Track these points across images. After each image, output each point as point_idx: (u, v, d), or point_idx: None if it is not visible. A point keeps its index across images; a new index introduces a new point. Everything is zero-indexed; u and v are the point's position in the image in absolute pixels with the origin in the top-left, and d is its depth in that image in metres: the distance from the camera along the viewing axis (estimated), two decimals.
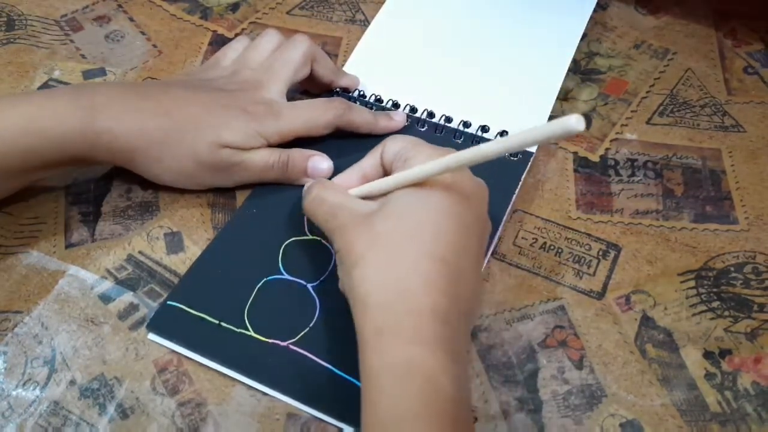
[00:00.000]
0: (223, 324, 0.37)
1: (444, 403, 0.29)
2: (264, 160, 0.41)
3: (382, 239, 0.32)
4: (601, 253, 0.42)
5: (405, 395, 0.28)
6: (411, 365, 0.29)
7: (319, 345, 0.37)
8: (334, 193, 0.37)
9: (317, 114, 0.43)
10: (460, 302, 0.32)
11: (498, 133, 0.46)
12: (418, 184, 0.34)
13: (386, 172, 0.38)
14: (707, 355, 0.37)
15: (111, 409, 0.35)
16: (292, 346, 0.37)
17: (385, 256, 0.32)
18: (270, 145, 0.42)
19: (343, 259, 0.33)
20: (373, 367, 0.30)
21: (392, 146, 0.37)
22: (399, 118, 0.46)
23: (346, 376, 0.35)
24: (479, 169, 0.44)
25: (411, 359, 0.29)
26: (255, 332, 0.37)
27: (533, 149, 0.45)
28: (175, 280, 0.40)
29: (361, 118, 0.45)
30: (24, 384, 0.36)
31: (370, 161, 0.39)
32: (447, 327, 0.30)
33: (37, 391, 0.36)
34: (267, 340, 0.37)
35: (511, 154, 0.45)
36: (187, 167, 0.40)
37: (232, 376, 0.36)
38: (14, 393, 0.36)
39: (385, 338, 0.30)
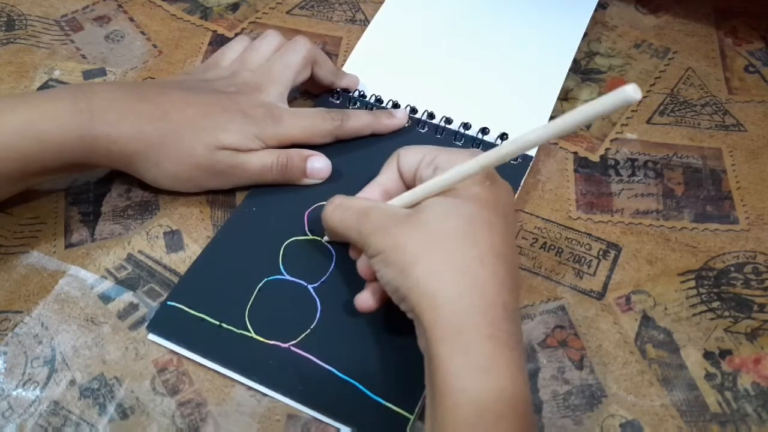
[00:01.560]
0: (224, 325, 0.37)
1: (522, 404, 0.29)
2: (262, 161, 0.41)
3: (440, 237, 0.32)
4: (601, 253, 0.42)
5: (487, 394, 0.28)
6: (492, 362, 0.29)
7: (320, 347, 0.37)
8: (359, 200, 0.37)
9: (316, 123, 0.43)
10: (516, 297, 0.32)
11: (498, 135, 0.46)
12: (453, 189, 0.34)
13: (406, 184, 0.37)
14: (707, 355, 0.37)
15: (111, 409, 0.35)
16: (293, 348, 0.37)
17: (447, 254, 0.31)
18: (267, 149, 0.42)
19: (393, 259, 0.32)
20: (454, 364, 0.29)
21: (408, 157, 0.37)
22: (400, 115, 0.46)
23: (348, 379, 0.35)
24: None
25: (492, 356, 0.29)
26: (256, 334, 0.37)
27: (533, 152, 0.45)
28: (175, 280, 0.40)
29: (360, 122, 0.45)
30: (24, 384, 0.36)
31: (387, 175, 0.38)
32: (514, 323, 0.31)
33: (37, 391, 0.36)
34: (268, 341, 0.37)
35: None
36: (185, 170, 0.40)
37: (232, 377, 0.36)
38: (14, 393, 0.36)
39: (464, 335, 0.29)
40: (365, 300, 0.36)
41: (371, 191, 0.38)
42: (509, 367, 0.29)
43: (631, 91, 0.26)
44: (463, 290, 0.30)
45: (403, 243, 0.32)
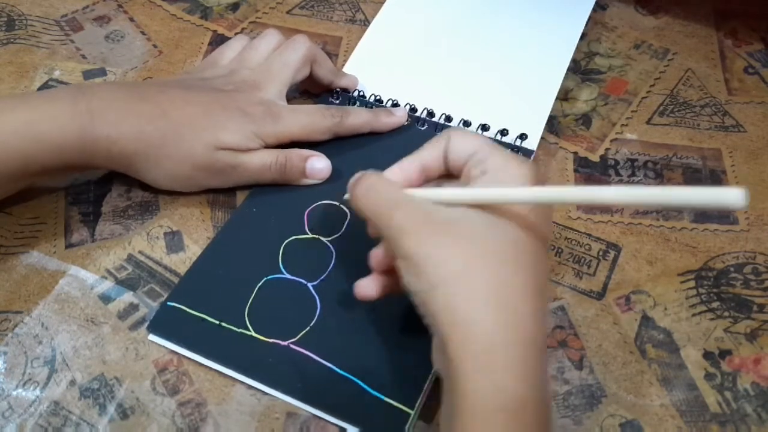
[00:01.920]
0: (224, 324, 0.37)
1: None
2: (261, 161, 0.41)
3: (482, 258, 0.29)
4: (601, 253, 0.42)
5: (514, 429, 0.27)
6: (520, 400, 0.27)
7: (319, 344, 0.37)
8: (390, 185, 0.33)
9: (316, 120, 0.43)
10: (546, 334, 0.31)
11: (498, 131, 0.46)
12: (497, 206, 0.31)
13: (449, 171, 0.34)
14: (707, 355, 0.37)
15: (111, 409, 0.35)
16: (293, 346, 0.37)
17: (488, 279, 0.29)
18: (267, 147, 0.42)
19: (424, 270, 0.29)
20: (479, 392, 0.27)
21: (462, 144, 0.33)
22: (400, 114, 0.46)
23: (348, 375, 0.35)
24: None
25: (521, 395, 0.27)
26: (256, 332, 0.37)
27: (533, 146, 0.45)
28: (175, 280, 0.40)
29: (359, 120, 0.45)
30: (24, 384, 0.36)
31: (431, 153, 0.34)
32: (543, 362, 0.29)
33: (37, 392, 0.36)
34: (268, 339, 0.37)
35: (512, 152, 0.45)
36: (185, 170, 0.40)
37: (232, 376, 0.36)
38: (14, 393, 0.36)
39: (494, 374, 0.27)
40: (366, 287, 0.34)
41: (410, 166, 0.35)
42: (536, 408, 0.27)
43: (732, 198, 0.23)
44: (500, 324, 0.28)
45: (439, 255, 0.29)
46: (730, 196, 0.23)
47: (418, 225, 0.30)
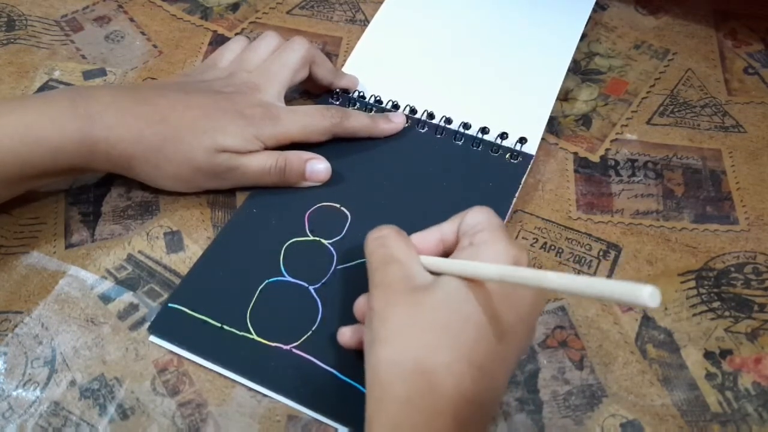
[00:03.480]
0: (225, 327, 0.37)
1: None
2: (261, 164, 0.41)
3: (423, 325, 0.30)
4: (601, 253, 0.42)
5: None
6: None
7: (321, 348, 0.36)
8: (401, 245, 0.34)
9: (314, 121, 0.43)
10: (484, 410, 0.30)
11: (498, 134, 0.46)
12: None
13: (457, 241, 0.35)
14: (708, 355, 0.37)
15: (111, 409, 0.35)
16: (295, 350, 0.37)
17: (420, 344, 0.29)
18: (267, 149, 0.42)
19: (374, 324, 0.30)
20: None
21: (471, 218, 0.34)
22: (398, 120, 0.46)
23: (349, 381, 0.35)
24: (479, 168, 0.44)
25: None
26: (258, 335, 0.37)
27: (533, 151, 0.45)
28: (175, 280, 0.40)
29: (358, 123, 0.45)
30: (24, 384, 0.36)
31: (450, 226, 0.35)
32: None
33: (38, 392, 0.36)
34: (270, 343, 0.37)
35: (511, 157, 0.45)
36: (185, 172, 0.40)
37: (233, 378, 0.36)
38: (14, 393, 0.35)
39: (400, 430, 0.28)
40: (343, 335, 0.35)
41: (429, 235, 0.35)
42: None
43: (647, 297, 0.22)
44: (415, 393, 0.28)
45: (389, 315, 0.30)
46: (643, 293, 0.22)
47: (389, 283, 0.31)
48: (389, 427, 0.28)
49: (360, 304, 0.35)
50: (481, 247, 0.32)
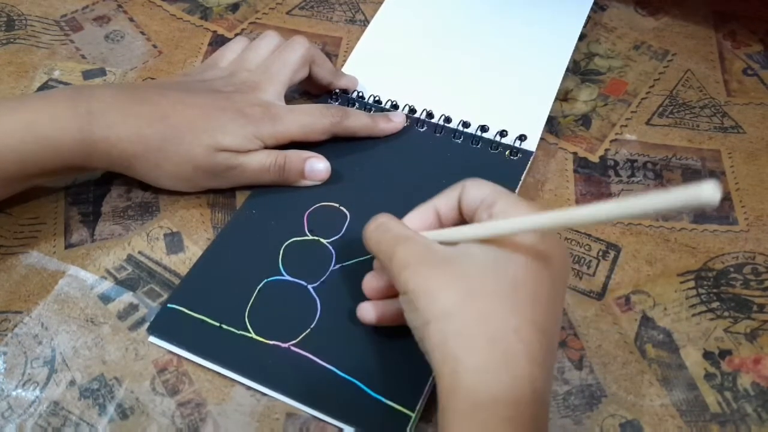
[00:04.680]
0: (224, 326, 0.37)
1: None
2: (261, 163, 0.41)
3: (478, 295, 0.29)
4: (600, 253, 0.42)
5: None
6: None
7: (320, 346, 0.37)
8: (400, 224, 0.34)
9: (314, 120, 0.43)
10: (551, 375, 0.30)
11: (497, 132, 0.46)
12: (502, 239, 0.30)
13: (463, 218, 0.34)
14: (707, 355, 0.37)
15: (111, 409, 0.35)
16: (293, 348, 0.37)
17: (482, 317, 0.28)
18: (267, 148, 0.42)
19: (421, 305, 0.30)
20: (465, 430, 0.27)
21: (474, 191, 0.33)
22: (398, 119, 0.46)
23: (348, 377, 0.35)
24: (479, 166, 0.45)
25: None
26: (256, 334, 0.37)
27: (533, 147, 0.45)
28: (175, 280, 0.40)
29: (358, 122, 0.45)
30: (24, 384, 0.36)
31: (445, 201, 0.35)
32: (541, 406, 0.28)
33: (37, 392, 0.36)
34: (268, 341, 0.37)
35: (511, 153, 0.45)
36: (185, 171, 0.40)
37: (233, 377, 0.36)
38: (14, 393, 0.35)
39: (482, 413, 0.27)
40: (367, 312, 0.35)
41: (424, 213, 0.35)
42: None
43: (707, 194, 0.22)
44: (491, 362, 0.28)
45: (435, 290, 0.29)
46: (704, 193, 0.22)
47: (417, 261, 0.31)
48: (470, 398, 0.27)
49: (369, 281, 0.35)
50: (503, 211, 0.31)
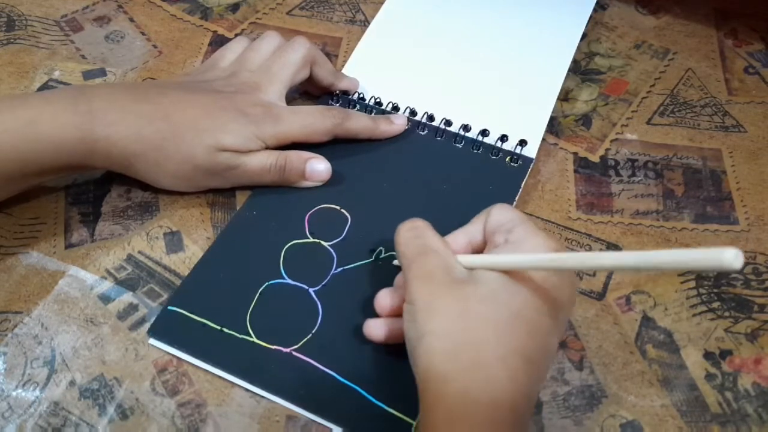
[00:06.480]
0: (225, 330, 0.37)
1: None
2: (261, 163, 0.41)
3: (474, 319, 0.30)
4: None
5: None
6: None
7: (322, 351, 0.36)
8: (436, 237, 0.34)
9: (315, 121, 0.43)
10: (532, 401, 0.30)
11: (498, 137, 0.46)
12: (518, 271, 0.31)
13: (485, 240, 0.35)
14: (707, 355, 0.37)
15: (111, 409, 0.35)
16: (295, 353, 0.36)
17: (473, 342, 0.29)
18: (267, 148, 0.42)
19: (419, 317, 0.30)
20: None
21: (498, 216, 0.34)
22: (399, 122, 0.46)
23: (350, 384, 0.35)
24: (479, 172, 0.44)
25: None
26: (258, 338, 0.37)
27: (533, 154, 0.45)
28: (175, 280, 0.40)
29: (359, 124, 0.45)
30: (24, 384, 0.36)
31: (476, 226, 0.35)
32: (519, 429, 0.29)
33: (37, 392, 0.36)
34: (270, 346, 0.37)
35: (511, 160, 0.45)
36: (186, 171, 0.40)
37: (233, 380, 0.36)
38: (14, 393, 0.35)
39: (461, 424, 0.28)
40: (374, 330, 0.35)
41: (457, 238, 0.35)
42: None
43: (729, 258, 0.22)
44: (473, 385, 0.28)
45: (436, 308, 0.30)
46: (726, 256, 0.22)
47: (432, 275, 0.31)
48: (448, 419, 0.28)
49: (383, 298, 0.35)
50: (520, 243, 0.32)
